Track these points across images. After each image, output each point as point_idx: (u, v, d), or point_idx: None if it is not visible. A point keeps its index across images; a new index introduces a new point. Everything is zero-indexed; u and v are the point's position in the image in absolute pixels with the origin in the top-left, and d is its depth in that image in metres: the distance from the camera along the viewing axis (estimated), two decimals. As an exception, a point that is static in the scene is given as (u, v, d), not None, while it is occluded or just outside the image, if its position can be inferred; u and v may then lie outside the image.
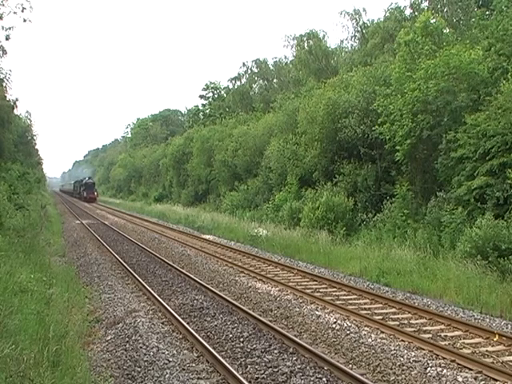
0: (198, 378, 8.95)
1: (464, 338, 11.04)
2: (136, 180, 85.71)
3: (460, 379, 8.73)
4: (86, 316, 12.67)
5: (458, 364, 9.34)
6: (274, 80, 66.37)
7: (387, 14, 44.09)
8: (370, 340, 10.85)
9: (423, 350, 10.12)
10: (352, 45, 52.11)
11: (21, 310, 9.95)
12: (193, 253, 24.08)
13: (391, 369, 9.37)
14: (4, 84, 32.04)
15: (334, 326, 11.94)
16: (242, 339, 11.03)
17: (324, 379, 8.84)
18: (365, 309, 13.39)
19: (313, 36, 53.43)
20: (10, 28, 23.21)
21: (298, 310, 13.45)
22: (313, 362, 9.58)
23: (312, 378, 8.87)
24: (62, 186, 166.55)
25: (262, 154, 38.72)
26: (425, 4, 41.01)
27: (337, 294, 15.31)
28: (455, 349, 10.17)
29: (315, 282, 17.04)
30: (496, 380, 8.64)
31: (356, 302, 14.26)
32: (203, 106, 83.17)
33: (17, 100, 36.27)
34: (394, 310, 13.38)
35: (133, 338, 10.99)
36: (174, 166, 63.97)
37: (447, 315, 12.66)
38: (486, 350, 10.16)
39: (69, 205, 73.85)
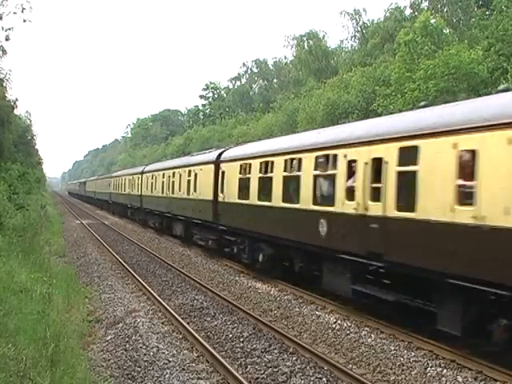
0: (198, 378, 8.94)
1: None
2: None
3: (460, 379, 8.73)
4: (85, 316, 12.67)
5: (458, 364, 9.33)
6: (274, 80, 66.49)
7: (387, 14, 44.18)
8: (369, 340, 10.85)
9: (423, 349, 10.11)
10: (352, 45, 52.29)
11: (20, 309, 9.94)
12: (193, 253, 24.07)
13: (391, 369, 9.37)
14: (4, 84, 31.96)
15: (334, 325, 11.94)
16: (241, 339, 11.03)
17: (324, 379, 8.83)
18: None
19: (313, 36, 53.54)
20: (9, 28, 23.14)
21: (297, 309, 13.45)
22: (313, 362, 9.58)
23: (312, 378, 8.87)
24: (79, 186, 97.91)
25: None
26: (425, 4, 41.07)
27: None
28: (455, 349, 10.14)
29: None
30: (496, 380, 8.63)
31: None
32: (203, 106, 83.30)
33: (17, 100, 36.15)
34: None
35: (133, 338, 10.98)
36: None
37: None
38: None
39: (69, 205, 73.83)
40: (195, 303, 14.21)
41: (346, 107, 30.14)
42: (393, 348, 10.28)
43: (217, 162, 21.02)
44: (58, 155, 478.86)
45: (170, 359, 9.71)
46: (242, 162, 18.42)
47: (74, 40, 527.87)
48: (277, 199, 15.42)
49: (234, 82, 75.15)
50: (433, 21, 29.02)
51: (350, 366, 9.58)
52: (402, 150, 10.38)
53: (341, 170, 12.31)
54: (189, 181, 24.44)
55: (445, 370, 9.09)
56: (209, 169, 21.65)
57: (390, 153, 10.64)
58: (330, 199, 12.69)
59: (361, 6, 77.48)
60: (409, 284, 10.48)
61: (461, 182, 8.88)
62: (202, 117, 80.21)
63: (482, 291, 8.53)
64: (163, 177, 29.93)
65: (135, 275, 17.83)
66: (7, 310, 9.12)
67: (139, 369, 9.31)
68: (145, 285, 16.14)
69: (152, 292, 15.09)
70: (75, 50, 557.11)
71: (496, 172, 8.23)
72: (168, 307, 13.24)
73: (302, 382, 8.77)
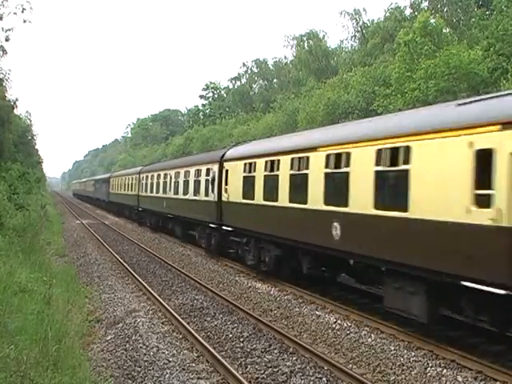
0: (198, 378, 8.95)
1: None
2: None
3: (460, 379, 8.73)
4: (86, 316, 12.67)
5: (458, 364, 9.33)
6: (274, 80, 66.44)
7: (387, 14, 44.19)
8: (369, 340, 10.85)
9: (423, 349, 10.12)
10: (352, 45, 52.30)
11: (21, 309, 9.95)
12: (193, 253, 24.08)
13: (391, 369, 9.38)
14: (4, 84, 31.98)
15: (334, 325, 11.94)
16: (241, 339, 11.03)
17: (324, 379, 8.84)
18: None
19: (313, 36, 53.56)
20: (9, 29, 23.19)
21: (297, 309, 13.46)
22: (313, 362, 9.58)
23: (312, 378, 8.88)
24: (93, 186, 67.61)
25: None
26: (425, 4, 41.07)
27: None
28: (455, 349, 10.15)
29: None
30: (496, 380, 8.64)
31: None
32: (203, 105, 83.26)
33: (17, 100, 36.14)
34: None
35: (133, 337, 10.99)
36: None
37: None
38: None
39: (69, 205, 73.87)
40: (195, 303, 14.22)
41: (346, 107, 30.18)
42: (393, 348, 10.29)
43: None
44: (58, 155, 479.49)
45: (170, 359, 9.72)
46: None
47: (74, 40, 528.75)
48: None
49: (233, 82, 75.20)
50: (432, 21, 29.04)
51: (350, 365, 9.58)
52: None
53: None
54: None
55: (445, 370, 9.10)
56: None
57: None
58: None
59: (361, 6, 77.60)
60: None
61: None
62: (202, 117, 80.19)
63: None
64: None
65: (135, 275, 17.84)
66: (8, 310, 9.12)
67: (139, 369, 9.32)
68: (145, 285, 16.15)
69: (152, 292, 15.10)
70: (75, 50, 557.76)
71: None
72: (168, 307, 13.25)
73: (302, 382, 8.78)
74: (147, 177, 34.95)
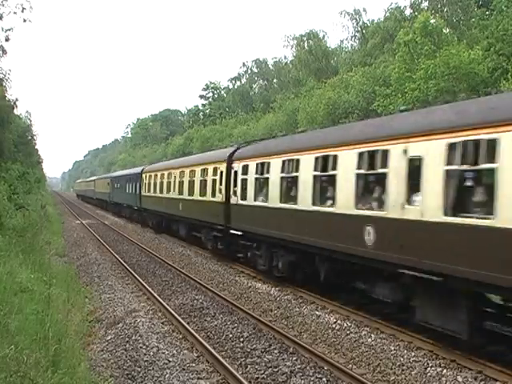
0: (198, 378, 8.95)
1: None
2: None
3: (460, 379, 8.73)
4: (85, 316, 12.68)
5: (458, 364, 9.32)
6: (274, 80, 66.39)
7: (387, 14, 44.19)
8: (369, 340, 10.84)
9: (423, 349, 10.11)
10: (352, 45, 52.26)
11: (21, 309, 9.95)
12: (193, 253, 24.06)
13: (391, 369, 9.37)
14: (4, 84, 31.91)
15: (334, 325, 11.94)
16: (241, 339, 11.03)
17: (324, 379, 8.84)
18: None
19: (313, 36, 53.54)
20: (9, 29, 23.21)
21: (297, 309, 13.45)
22: (313, 362, 9.58)
23: (312, 378, 8.88)
24: (111, 185, 49.29)
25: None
26: (425, 4, 41.06)
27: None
28: (455, 349, 10.14)
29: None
30: (496, 380, 8.63)
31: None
32: (203, 105, 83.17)
33: (17, 100, 36.05)
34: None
35: (133, 337, 10.99)
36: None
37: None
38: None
39: (69, 205, 73.87)
40: (195, 303, 14.22)
41: (347, 107, 30.20)
42: (393, 348, 10.28)
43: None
44: (58, 155, 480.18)
45: (170, 359, 9.72)
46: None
47: (74, 40, 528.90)
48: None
49: (234, 82, 75.20)
50: (432, 21, 29.05)
51: (350, 365, 9.58)
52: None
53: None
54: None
55: (445, 370, 9.09)
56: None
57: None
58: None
59: (361, 6, 77.41)
60: None
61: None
62: (202, 117, 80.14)
63: None
64: None
65: (135, 275, 17.84)
66: (8, 310, 9.12)
67: (139, 369, 9.32)
68: (145, 285, 16.15)
69: (152, 292, 15.10)
70: (75, 50, 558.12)
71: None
72: (168, 307, 13.25)
73: (302, 382, 8.78)
74: (264, 166, 16.18)
